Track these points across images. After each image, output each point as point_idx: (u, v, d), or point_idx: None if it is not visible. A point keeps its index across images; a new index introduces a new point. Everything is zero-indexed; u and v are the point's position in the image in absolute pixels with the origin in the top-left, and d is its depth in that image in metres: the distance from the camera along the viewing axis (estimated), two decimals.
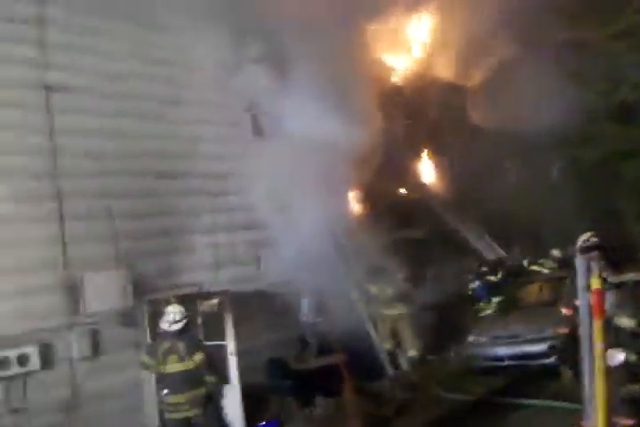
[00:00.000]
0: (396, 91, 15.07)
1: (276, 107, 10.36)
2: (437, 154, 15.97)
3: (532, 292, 10.86)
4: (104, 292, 8.08)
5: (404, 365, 10.26)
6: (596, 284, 4.84)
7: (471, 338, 10.30)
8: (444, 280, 12.16)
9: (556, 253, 11.85)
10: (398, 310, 10.27)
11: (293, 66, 10.05)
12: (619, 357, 6.04)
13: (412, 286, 10.63)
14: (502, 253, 14.00)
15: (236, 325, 8.39)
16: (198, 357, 7.13)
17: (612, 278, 6.19)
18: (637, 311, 6.57)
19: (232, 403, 8.02)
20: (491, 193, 14.27)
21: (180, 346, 7.14)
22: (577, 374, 5.40)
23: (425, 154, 15.92)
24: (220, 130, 10.28)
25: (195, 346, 7.25)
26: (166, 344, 7.19)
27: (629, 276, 6.74)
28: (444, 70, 16.60)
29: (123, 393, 8.09)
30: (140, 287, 8.44)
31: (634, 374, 6.31)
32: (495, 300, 11.55)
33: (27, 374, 7.50)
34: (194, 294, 8.65)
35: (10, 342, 7.35)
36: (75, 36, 8.72)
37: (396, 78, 15.60)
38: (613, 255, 7.24)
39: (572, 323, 6.67)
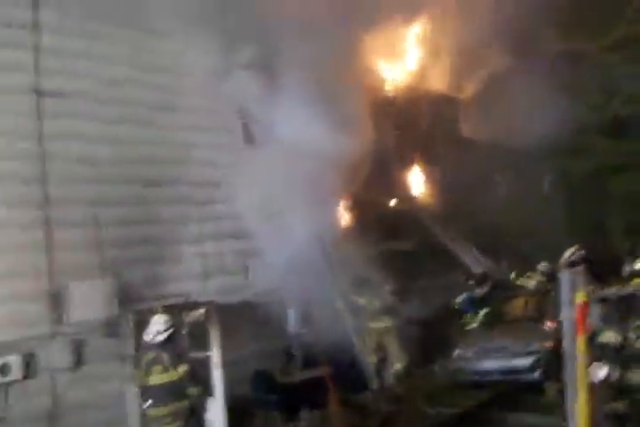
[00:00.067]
0: (388, 101, 15.13)
1: (266, 114, 10.35)
2: (428, 165, 16.00)
3: (519, 306, 10.85)
4: (89, 301, 8.03)
5: (390, 378, 10.20)
6: (580, 298, 4.85)
7: (457, 352, 10.28)
8: (431, 293, 12.13)
9: (543, 266, 11.85)
10: (384, 322, 10.23)
11: (285, 73, 10.06)
12: (602, 372, 6.02)
13: (399, 299, 10.60)
14: (490, 266, 14.00)
15: (222, 336, 8.30)
16: (182, 368, 7.05)
17: (597, 293, 6.21)
18: (622, 326, 6.57)
19: (215, 416, 7.90)
20: (480, 205, 14.31)
21: (165, 357, 7.06)
22: (561, 388, 5.38)
23: (415, 165, 15.95)
24: (210, 137, 10.26)
25: (179, 357, 7.17)
26: (150, 355, 7.11)
27: (614, 290, 6.76)
28: (437, 81, 16.69)
29: (105, 404, 8.00)
30: (125, 297, 8.39)
31: (618, 391, 6.29)
32: (481, 313, 11.52)
33: (8, 384, 7.41)
34: (179, 304, 8.55)
35: None
36: (68, 40, 8.73)
37: (389, 88, 15.66)
38: (599, 269, 7.26)
39: (557, 337, 6.67)
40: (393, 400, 9.27)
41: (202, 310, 8.43)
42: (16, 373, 7.43)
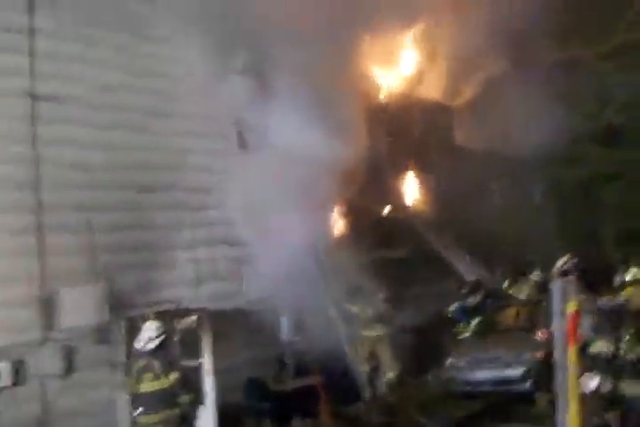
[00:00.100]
0: (382, 108, 15.15)
1: (261, 120, 10.34)
2: (422, 173, 16.02)
3: (511, 315, 10.83)
4: (80, 307, 7.97)
5: (382, 387, 10.18)
6: (571, 308, 4.83)
7: (449, 361, 10.26)
8: (424, 301, 12.12)
9: (535, 275, 11.86)
10: (377, 331, 10.19)
11: (279, 79, 10.06)
12: (593, 383, 6.02)
13: (392, 307, 10.58)
14: (483, 274, 14.00)
15: (214, 343, 8.29)
16: (174, 376, 7.03)
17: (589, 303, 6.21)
18: (614, 337, 6.56)
19: (207, 424, 7.86)
20: (474, 214, 14.33)
21: (156, 364, 7.04)
22: (552, 399, 5.37)
23: (409, 173, 15.97)
24: (204, 143, 10.23)
25: (171, 365, 7.15)
26: (141, 362, 7.08)
27: (605, 300, 6.77)
28: (432, 89, 16.73)
29: (96, 412, 7.94)
30: (117, 303, 8.33)
31: (609, 402, 6.28)
32: (474, 322, 11.51)
33: None
34: (171, 311, 8.53)
35: None
36: (63, 45, 8.72)
37: (383, 95, 15.69)
38: (592, 279, 7.27)
39: (548, 347, 6.67)
40: (385, 410, 9.24)
41: (194, 317, 8.41)
42: (5, 379, 7.36)
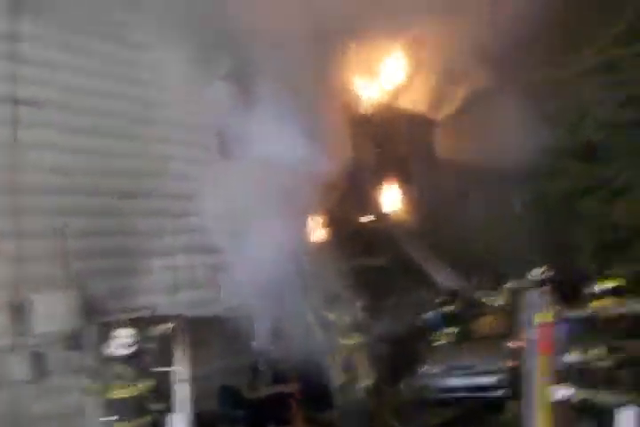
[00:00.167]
0: (365, 118, 15.24)
1: (242, 128, 10.33)
2: (403, 183, 16.12)
3: (486, 323, 10.93)
4: (52, 313, 7.89)
5: (358, 394, 10.16)
6: (543, 318, 4.88)
7: (424, 369, 10.30)
8: (402, 310, 12.16)
9: (511, 285, 11.96)
10: (354, 340, 10.18)
11: (262, 87, 10.07)
12: (563, 392, 6.04)
13: (370, 316, 10.59)
14: (460, 283, 14.09)
15: (189, 350, 8.23)
16: (147, 383, 6.96)
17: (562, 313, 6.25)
18: (587, 347, 6.60)
19: None
20: (452, 224, 14.44)
21: (129, 371, 6.97)
22: (524, 408, 5.40)
23: (390, 183, 16.06)
24: (185, 150, 10.24)
25: (144, 372, 7.08)
26: (114, 369, 7.01)
27: (579, 311, 6.81)
28: (415, 101, 16.87)
29: (67, 419, 7.85)
30: (91, 309, 8.25)
31: (582, 412, 6.31)
32: (450, 330, 11.57)
33: None
34: (146, 317, 8.47)
35: None
36: (46, 50, 8.70)
37: (366, 105, 15.78)
38: (567, 290, 7.33)
39: (521, 356, 6.70)
40: (360, 417, 9.22)
41: (169, 324, 8.35)
42: None
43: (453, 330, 11.50)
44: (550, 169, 16.77)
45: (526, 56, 15.05)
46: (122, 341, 7.09)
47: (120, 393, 6.90)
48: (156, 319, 8.48)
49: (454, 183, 15.87)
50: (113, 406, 6.90)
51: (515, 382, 7.70)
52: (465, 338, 10.87)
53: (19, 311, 7.77)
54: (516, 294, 11.31)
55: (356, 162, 12.52)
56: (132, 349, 7.09)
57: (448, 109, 17.27)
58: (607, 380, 6.27)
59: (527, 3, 12.68)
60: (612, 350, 6.39)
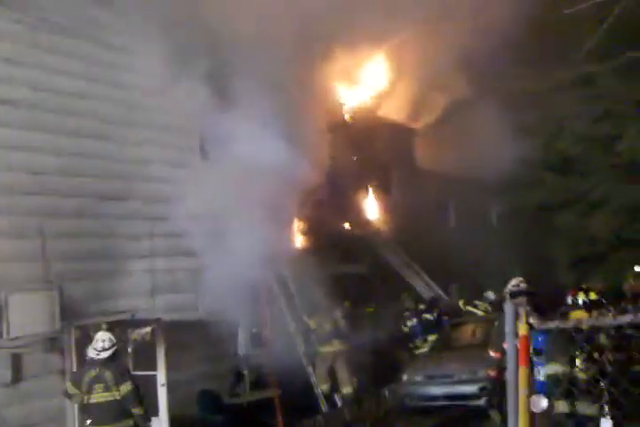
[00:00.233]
0: (346, 126, 15.31)
1: (221, 131, 10.28)
2: (382, 192, 16.23)
3: (467, 332, 11.03)
4: (30, 315, 7.75)
5: (339, 402, 10.19)
6: (522, 330, 4.92)
7: (405, 377, 10.35)
8: (382, 317, 12.23)
9: (490, 295, 12.11)
10: (334, 347, 10.20)
11: (243, 91, 10.04)
12: (543, 403, 6.10)
13: (350, 323, 10.63)
14: (439, 292, 14.23)
15: (169, 354, 8.18)
16: (126, 387, 6.84)
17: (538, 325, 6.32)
18: (567, 359, 6.66)
19: None
20: (432, 233, 14.56)
21: (108, 375, 6.86)
22: (505, 418, 5.45)
23: (370, 191, 16.16)
24: (164, 153, 10.15)
25: (123, 376, 6.98)
26: (93, 372, 6.89)
27: (555, 323, 6.92)
28: (396, 110, 17.00)
29: (44, 422, 7.75)
30: (69, 311, 8.14)
31: (561, 423, 6.37)
32: (431, 338, 11.67)
33: None
34: (125, 321, 8.39)
35: None
36: (22, 49, 8.58)
37: (347, 114, 15.86)
38: (542, 302, 7.42)
39: (500, 366, 6.78)
40: (341, 425, 9.25)
41: (148, 328, 8.31)
42: None
43: (433, 338, 11.62)
44: (527, 181, 17.02)
45: (505, 69, 15.29)
46: (101, 344, 6.98)
47: (99, 397, 6.80)
48: (135, 323, 8.43)
49: (434, 193, 16.00)
50: (92, 410, 6.81)
51: (494, 392, 7.81)
52: (446, 346, 10.96)
53: None
54: (494, 303, 11.48)
55: (336, 169, 12.54)
56: (111, 352, 7.00)
57: (427, 119, 17.45)
58: (585, 391, 6.37)
59: (505, 16, 12.86)
60: (589, 362, 6.50)
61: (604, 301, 8.29)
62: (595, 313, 7.64)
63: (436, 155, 16.80)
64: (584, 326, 6.79)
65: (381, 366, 10.86)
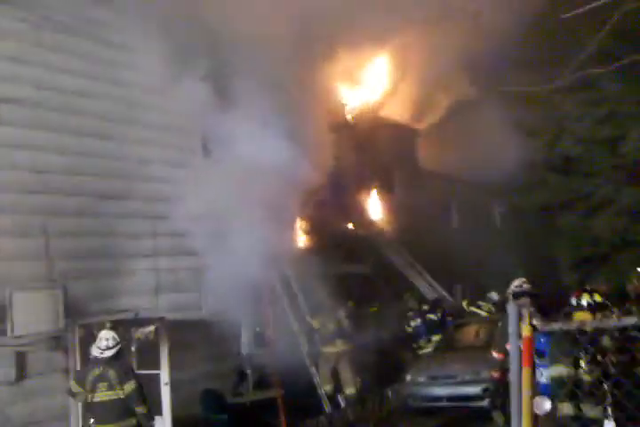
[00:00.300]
0: (349, 127, 15.30)
1: (222, 130, 10.26)
2: (385, 192, 16.24)
3: (470, 333, 10.98)
4: (34, 313, 7.78)
5: (342, 402, 10.16)
6: (526, 331, 4.91)
7: (408, 377, 10.33)
8: (385, 317, 12.23)
9: (493, 295, 12.10)
10: (337, 347, 10.16)
11: (246, 91, 10.01)
12: (547, 405, 6.08)
13: (354, 323, 10.60)
14: (443, 292, 14.23)
15: (172, 353, 8.18)
16: (129, 386, 6.83)
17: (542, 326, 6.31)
18: (572, 360, 6.64)
19: None
20: (435, 233, 14.56)
21: (111, 374, 6.85)
22: (508, 419, 5.45)
23: (373, 191, 16.17)
24: (166, 152, 10.14)
25: (126, 374, 6.98)
26: (96, 371, 6.89)
27: (558, 325, 6.91)
28: (399, 111, 17.00)
29: (48, 420, 7.76)
30: (73, 310, 8.16)
31: (565, 424, 6.34)
32: (435, 339, 11.66)
33: None
34: (129, 320, 8.39)
35: None
36: (28, 48, 8.59)
37: (350, 115, 15.86)
38: (545, 302, 7.41)
39: (504, 367, 6.77)
40: (344, 425, 9.25)
41: (152, 327, 8.32)
42: None
43: (437, 339, 11.60)
44: (530, 181, 17.03)
45: (507, 71, 15.30)
46: (104, 343, 6.98)
47: (102, 396, 6.80)
48: (138, 322, 8.44)
49: (437, 194, 15.99)
50: (95, 409, 6.82)
51: (497, 394, 7.79)
52: (450, 347, 10.94)
53: (0, 311, 7.68)
54: (497, 304, 11.47)
55: (339, 169, 12.53)
56: (115, 351, 7.00)
57: (430, 119, 17.46)
58: (589, 393, 6.34)
59: (508, 18, 12.85)
60: (593, 364, 6.48)
61: (608, 303, 8.26)
62: (598, 315, 7.62)
63: (438, 155, 16.83)
64: (588, 328, 6.79)
65: (385, 366, 10.84)
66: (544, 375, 6.29)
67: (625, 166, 16.14)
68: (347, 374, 10.12)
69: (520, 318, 4.70)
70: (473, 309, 12.36)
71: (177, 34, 9.51)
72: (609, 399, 6.12)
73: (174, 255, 9.95)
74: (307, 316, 10.46)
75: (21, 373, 7.74)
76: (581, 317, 7.62)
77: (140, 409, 6.87)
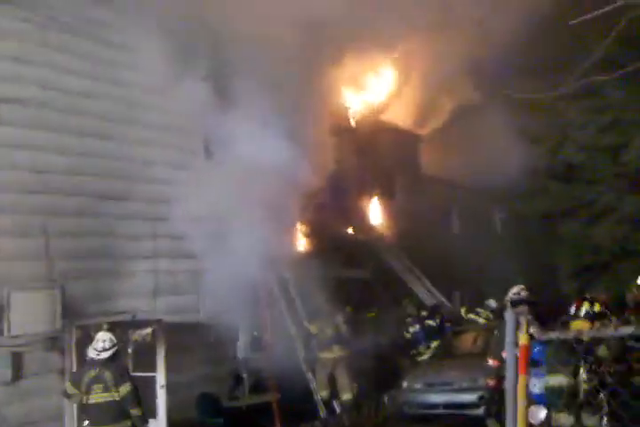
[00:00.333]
0: (351, 131, 15.31)
1: (227, 133, 10.22)
2: (386, 197, 16.23)
3: (468, 340, 10.92)
4: (31, 313, 7.78)
5: (338, 408, 10.10)
6: (523, 339, 4.89)
7: (405, 384, 10.28)
8: (383, 323, 12.18)
9: (492, 303, 12.06)
10: (335, 353, 10.08)
11: (249, 94, 9.97)
12: (541, 414, 6.06)
13: (352, 329, 10.55)
14: (442, 298, 14.20)
15: (169, 356, 8.16)
16: (125, 388, 6.80)
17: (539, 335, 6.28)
18: (569, 369, 6.60)
19: None
20: (435, 239, 14.54)
21: (107, 375, 6.82)
22: None
23: (374, 196, 16.16)
24: (167, 153, 10.14)
25: (122, 376, 6.95)
26: (92, 373, 6.86)
27: (556, 333, 6.89)
28: (401, 115, 17.01)
29: (44, 421, 7.75)
30: (70, 311, 8.16)
31: None
32: (434, 345, 11.62)
33: None
34: (126, 321, 8.36)
35: None
36: (32, 48, 8.61)
37: (352, 119, 15.88)
38: (543, 311, 7.38)
39: (499, 375, 6.74)
40: None
41: (149, 329, 8.30)
42: None
43: (436, 345, 11.55)
44: (531, 188, 17.01)
45: (510, 76, 15.30)
46: (101, 344, 6.96)
47: (98, 397, 6.78)
48: (135, 324, 8.42)
49: (438, 200, 15.97)
50: (90, 411, 6.78)
51: (492, 402, 7.75)
52: (446, 354, 10.90)
53: None
54: (495, 311, 11.42)
55: (340, 173, 12.53)
56: (111, 353, 6.98)
57: (433, 125, 17.46)
58: (587, 402, 6.31)
59: (512, 25, 12.85)
60: (591, 373, 6.45)
61: (607, 312, 8.22)
62: (596, 324, 7.58)
63: (440, 161, 16.83)
64: (585, 337, 6.75)
65: (382, 372, 10.79)
66: (537, 386, 6.23)
67: (627, 175, 16.12)
68: (343, 380, 10.05)
69: (518, 326, 4.68)
70: (471, 316, 12.32)
71: (179, 34, 9.52)
72: (605, 409, 6.08)
73: (173, 258, 9.93)
74: (304, 321, 10.41)
75: (17, 373, 7.74)
76: (579, 326, 7.58)
77: (134, 411, 6.83)
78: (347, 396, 9.99)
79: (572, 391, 6.39)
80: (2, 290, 7.72)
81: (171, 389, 8.03)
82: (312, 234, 12.61)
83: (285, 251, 10.73)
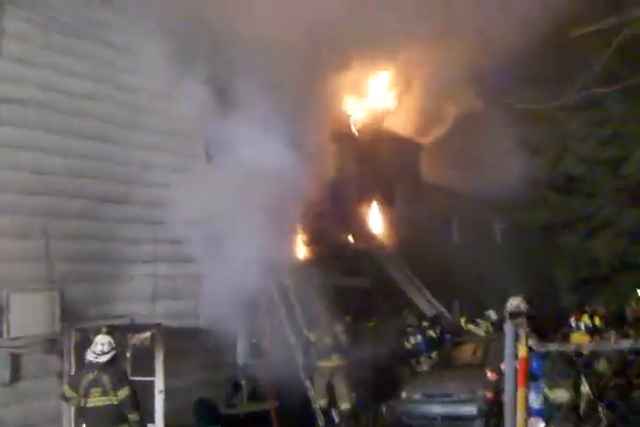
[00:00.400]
0: (352, 138, 15.34)
1: (228, 138, 10.19)
2: (386, 205, 16.24)
3: (467, 351, 10.90)
4: (30, 315, 7.75)
5: (336, 418, 10.03)
6: (522, 351, 4.90)
7: (404, 394, 10.25)
8: (383, 333, 12.15)
9: (491, 314, 12.04)
10: (333, 362, 10.03)
11: (250, 99, 9.97)
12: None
13: (351, 338, 10.52)
14: (442, 309, 14.18)
15: (168, 361, 8.15)
16: (123, 392, 6.77)
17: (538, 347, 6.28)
18: (569, 383, 6.59)
19: None
20: (435, 248, 14.54)
21: (105, 379, 6.80)
22: None
23: (374, 204, 16.17)
24: (170, 157, 10.11)
25: (120, 380, 6.93)
26: (90, 376, 6.83)
27: (555, 346, 6.89)
28: (403, 124, 17.05)
29: (42, 423, 7.72)
30: (70, 313, 8.13)
31: None
32: (434, 355, 11.59)
33: None
34: (125, 325, 8.32)
35: None
36: (33, 50, 8.62)
37: (354, 126, 15.91)
38: (542, 324, 7.38)
39: (497, 387, 6.73)
40: None
41: (148, 333, 8.28)
42: None
43: (434, 356, 11.53)
44: (532, 199, 17.04)
45: (511, 88, 15.35)
46: (100, 348, 6.95)
47: (96, 401, 6.77)
48: (134, 328, 8.40)
49: (438, 209, 15.97)
50: (88, 414, 6.76)
51: (490, 414, 7.73)
52: (446, 365, 10.87)
53: None
54: (495, 323, 11.41)
55: (341, 180, 12.53)
56: (110, 356, 6.97)
57: (434, 134, 17.50)
58: (586, 415, 6.31)
59: (514, 37, 12.91)
60: (591, 386, 6.45)
61: (607, 327, 8.22)
62: (596, 337, 7.59)
63: (441, 170, 16.85)
64: (585, 351, 6.76)
65: (381, 382, 10.75)
66: (536, 401, 6.21)
67: (627, 188, 16.15)
68: (342, 389, 10.00)
69: (517, 338, 4.69)
70: (470, 326, 12.29)
71: (181, 38, 9.54)
72: (604, 422, 6.09)
73: (173, 262, 9.91)
74: (304, 329, 10.37)
75: (16, 375, 7.70)
76: (579, 339, 7.59)
77: (132, 416, 6.80)
78: (345, 405, 9.93)
79: (572, 405, 6.38)
80: (1, 291, 7.69)
81: (169, 394, 8.01)
82: (312, 242, 12.60)
83: (286, 257, 10.72)
